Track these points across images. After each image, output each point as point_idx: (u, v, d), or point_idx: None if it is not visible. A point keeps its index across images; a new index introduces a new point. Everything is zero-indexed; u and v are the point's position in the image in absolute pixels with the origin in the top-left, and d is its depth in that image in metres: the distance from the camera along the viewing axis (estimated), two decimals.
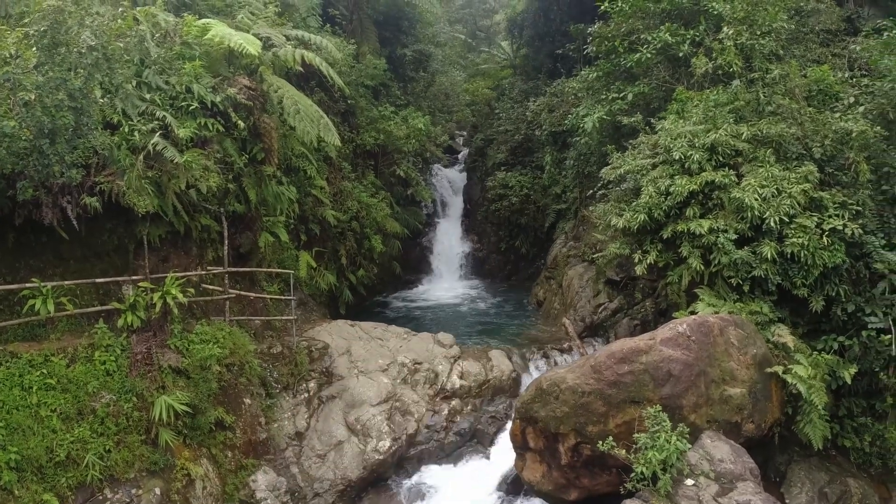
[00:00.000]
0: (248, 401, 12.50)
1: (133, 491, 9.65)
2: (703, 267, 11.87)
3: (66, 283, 10.30)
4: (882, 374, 10.95)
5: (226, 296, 12.61)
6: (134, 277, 10.72)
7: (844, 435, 11.36)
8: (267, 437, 12.60)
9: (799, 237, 11.17)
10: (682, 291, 12.47)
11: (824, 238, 11.10)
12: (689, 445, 9.81)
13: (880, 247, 11.42)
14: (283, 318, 14.35)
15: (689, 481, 9.73)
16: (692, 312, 11.90)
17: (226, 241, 12.82)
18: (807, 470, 11.17)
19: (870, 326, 11.00)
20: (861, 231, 11.21)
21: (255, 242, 14.20)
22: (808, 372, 10.31)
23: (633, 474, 9.48)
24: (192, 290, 11.44)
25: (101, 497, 9.35)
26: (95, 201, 10.06)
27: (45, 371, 9.52)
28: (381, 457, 12.96)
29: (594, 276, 17.80)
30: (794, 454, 11.39)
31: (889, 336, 10.74)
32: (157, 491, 9.99)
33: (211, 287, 12.54)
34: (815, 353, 11.01)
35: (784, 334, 10.82)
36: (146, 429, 10.26)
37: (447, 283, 23.11)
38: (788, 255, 11.32)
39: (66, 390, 9.53)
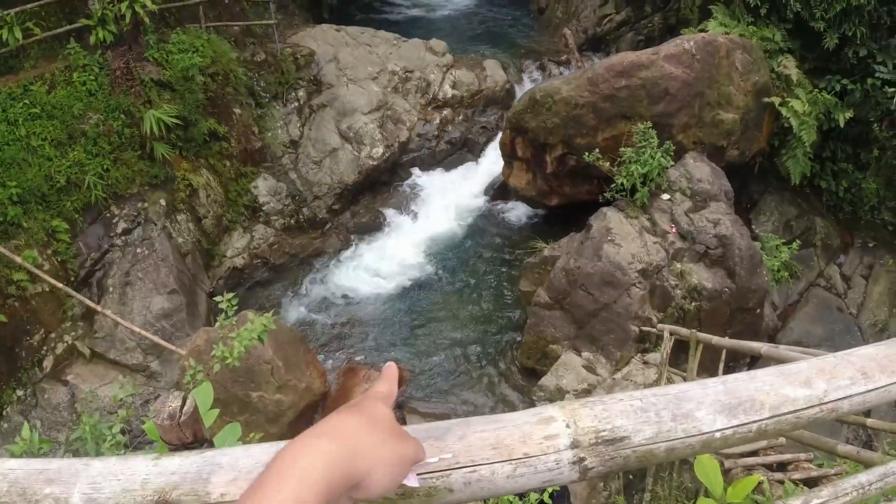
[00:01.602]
0: (238, 111, 12.42)
1: (139, 205, 10.19)
2: None
3: (30, 6, 9.46)
4: (876, 125, 10.89)
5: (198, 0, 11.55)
6: None
7: (822, 176, 11.73)
8: (262, 145, 12.84)
9: None
10: (695, 6, 11.58)
11: None
12: (672, 163, 10.10)
13: None
14: (263, 22, 13.36)
15: (665, 196, 10.29)
16: (702, 31, 11.23)
17: None
18: (778, 202, 11.82)
19: (877, 75, 10.61)
20: None
21: None
22: (804, 108, 10.20)
23: (613, 185, 9.90)
24: None
25: (108, 214, 9.87)
26: None
27: (27, 101, 9.22)
28: (374, 162, 13.45)
29: None
30: (770, 186, 11.92)
31: (893, 89, 10.40)
32: (163, 202, 10.56)
33: None
34: (816, 90, 10.74)
35: (790, 66, 10.42)
36: (141, 145, 10.39)
37: None
38: None
39: (53, 116, 9.35)
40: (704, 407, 1.02)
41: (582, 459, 0.88)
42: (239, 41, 12.99)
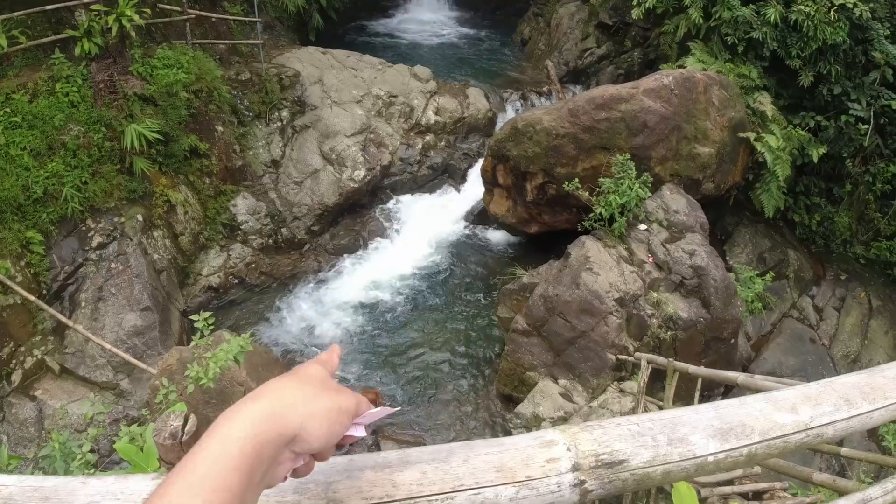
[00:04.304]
0: (220, 128, 12.37)
1: (115, 219, 10.02)
2: (702, 20, 11.14)
3: (16, 13, 9.33)
4: (849, 161, 11.24)
5: (185, 16, 11.55)
6: (85, 0, 9.63)
7: (796, 210, 12.03)
8: (243, 164, 12.78)
9: (807, 6, 10.47)
10: (674, 43, 11.89)
11: (831, 13, 10.43)
12: (650, 194, 10.29)
13: (883, 36, 10.90)
14: (249, 41, 13.40)
15: (643, 226, 10.44)
16: (680, 66, 11.52)
17: None
18: (752, 234, 12.06)
19: (850, 112, 10.97)
20: (869, 15, 10.52)
21: None
22: (778, 143, 10.48)
23: (591, 214, 10.04)
24: (148, 11, 10.43)
25: (84, 228, 9.68)
26: None
27: (8, 110, 9.09)
28: (356, 185, 13.45)
29: (586, 18, 16.57)
30: (744, 218, 12.18)
31: (866, 126, 10.77)
32: (140, 217, 10.41)
33: (168, 7, 11.41)
34: (791, 126, 11.06)
35: (765, 103, 10.72)
36: (120, 158, 10.26)
37: (427, 12, 21.13)
38: (791, 23, 10.70)
39: (33, 126, 9.21)
40: (698, 431, 1.04)
41: (582, 482, 0.90)
42: (224, 59, 13.00)
